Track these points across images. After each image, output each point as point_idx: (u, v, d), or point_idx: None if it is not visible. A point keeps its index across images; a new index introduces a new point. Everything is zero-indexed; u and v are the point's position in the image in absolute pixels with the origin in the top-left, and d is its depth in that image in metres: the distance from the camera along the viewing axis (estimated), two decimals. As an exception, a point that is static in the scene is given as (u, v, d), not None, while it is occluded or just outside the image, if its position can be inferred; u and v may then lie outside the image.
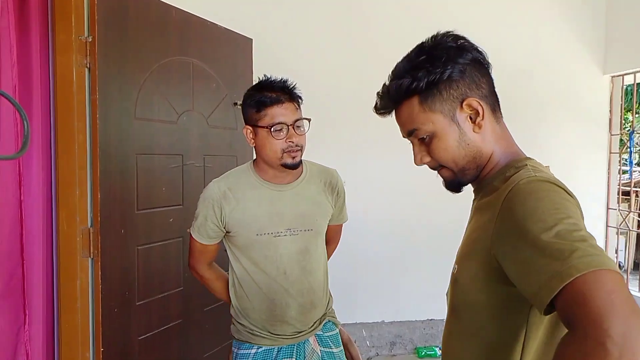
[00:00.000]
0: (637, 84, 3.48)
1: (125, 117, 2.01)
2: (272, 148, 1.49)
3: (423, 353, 3.52)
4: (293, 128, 1.50)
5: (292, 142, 1.49)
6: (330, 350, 1.67)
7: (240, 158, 2.67)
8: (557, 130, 3.66)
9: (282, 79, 1.54)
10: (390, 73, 0.98)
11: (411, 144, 1.00)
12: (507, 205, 0.80)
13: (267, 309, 1.57)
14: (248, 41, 2.70)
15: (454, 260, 1.04)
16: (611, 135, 3.73)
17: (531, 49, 3.56)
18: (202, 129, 2.41)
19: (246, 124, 1.57)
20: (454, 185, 0.99)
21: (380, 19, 3.37)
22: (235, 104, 2.59)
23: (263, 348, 1.59)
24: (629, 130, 3.45)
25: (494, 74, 0.98)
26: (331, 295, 1.75)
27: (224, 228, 1.57)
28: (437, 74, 0.89)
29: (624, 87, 3.68)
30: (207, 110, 2.43)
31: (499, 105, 0.97)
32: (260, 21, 3.03)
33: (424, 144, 0.95)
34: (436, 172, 1.01)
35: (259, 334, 1.59)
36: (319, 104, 3.32)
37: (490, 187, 0.92)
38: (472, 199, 1.04)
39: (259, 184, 1.58)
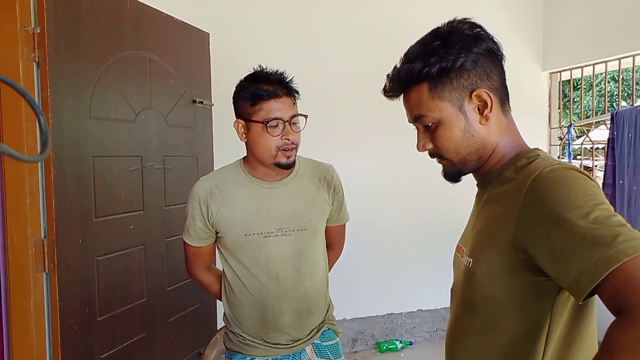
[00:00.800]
0: (574, 80, 3.70)
1: (80, 116, 1.84)
2: (266, 145, 1.40)
3: (384, 347, 3.55)
4: (289, 124, 1.41)
5: (288, 140, 1.40)
6: None
7: (201, 159, 2.54)
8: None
9: (277, 71, 1.44)
10: (403, 56, 0.95)
11: (416, 130, 0.98)
12: (533, 193, 0.78)
13: (259, 316, 1.47)
14: (205, 35, 2.57)
15: (458, 254, 1.02)
16: (551, 128, 3.95)
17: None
18: (161, 128, 2.26)
19: (238, 117, 1.46)
20: (453, 175, 0.97)
21: (338, 13, 3.35)
22: (194, 101, 2.46)
23: (257, 359, 1.50)
24: (568, 124, 3.66)
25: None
26: (331, 302, 1.65)
27: (213, 228, 1.47)
28: (449, 61, 0.87)
29: (561, 82, 3.90)
30: (166, 108, 2.29)
31: (508, 98, 0.95)
32: (216, 15, 2.90)
33: (429, 131, 0.94)
34: (436, 160, 0.99)
35: (252, 343, 1.50)
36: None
37: (501, 178, 0.91)
38: (476, 192, 1.03)
39: (248, 181, 1.48)
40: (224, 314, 1.57)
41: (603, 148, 4.08)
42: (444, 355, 3.48)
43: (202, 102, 2.51)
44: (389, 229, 3.59)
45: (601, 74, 3.62)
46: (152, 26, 2.21)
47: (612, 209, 0.73)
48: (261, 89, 1.39)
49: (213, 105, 2.63)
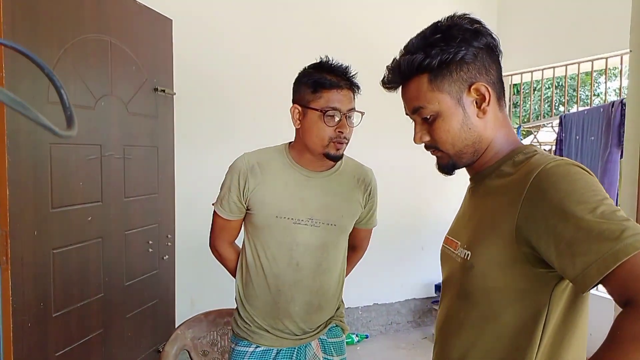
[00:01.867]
0: (524, 83, 3.89)
1: (37, 101, 1.73)
2: (319, 134, 1.39)
3: (341, 341, 3.58)
4: (345, 118, 1.40)
5: (342, 133, 1.39)
6: (332, 357, 1.57)
7: (161, 149, 2.46)
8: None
9: (342, 64, 1.43)
10: (402, 48, 0.95)
11: (413, 122, 0.98)
12: (537, 188, 0.79)
13: (271, 300, 1.47)
14: (168, 22, 2.48)
15: (450, 247, 1.01)
16: (501, 129, 4.12)
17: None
18: (122, 116, 2.17)
19: (295, 102, 1.45)
20: (447, 167, 0.97)
21: (305, 2, 3.34)
22: (156, 89, 2.38)
23: (262, 348, 1.49)
24: (517, 126, 3.84)
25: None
26: (343, 302, 1.64)
27: (245, 204, 1.47)
28: (450, 53, 0.88)
29: (512, 85, 4.08)
30: (127, 95, 2.19)
31: (504, 93, 0.97)
32: (179, 1, 2.81)
33: (426, 123, 0.94)
34: (429, 152, 1.00)
35: (259, 328, 1.49)
36: (244, 90, 3.20)
37: (498, 172, 0.92)
38: (468, 186, 1.04)
39: (289, 165, 1.48)
40: (236, 294, 1.56)
41: (547, 150, 4.32)
42: (398, 347, 3.58)
43: (164, 91, 2.43)
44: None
45: (548, 79, 3.82)
46: (113, 8, 2.11)
47: (614, 203, 0.76)
48: (324, 77, 1.39)
49: (175, 94, 2.55)
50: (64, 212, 1.86)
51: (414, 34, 0.96)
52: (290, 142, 1.54)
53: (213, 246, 1.62)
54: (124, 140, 2.18)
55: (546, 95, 7.42)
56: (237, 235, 1.61)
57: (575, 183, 0.77)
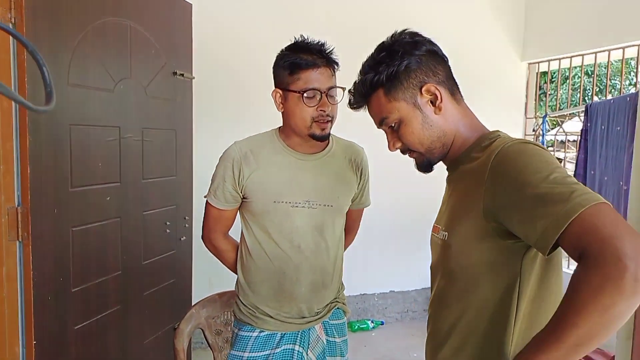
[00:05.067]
0: (551, 71, 3.77)
1: (58, 83, 1.78)
2: (301, 115, 1.39)
3: (356, 327, 3.61)
4: (326, 96, 1.39)
5: (324, 111, 1.39)
6: (334, 339, 1.59)
7: (180, 132, 2.51)
8: (478, 112, 3.86)
9: (319, 42, 1.42)
10: (359, 72, 1.07)
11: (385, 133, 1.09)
12: (497, 166, 0.88)
13: (276, 283, 1.48)
14: (187, 6, 2.51)
15: (434, 233, 1.09)
16: (527, 118, 4.03)
17: (458, 34, 3.69)
18: (141, 99, 2.21)
19: (276, 86, 1.45)
20: (424, 165, 1.08)
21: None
22: (175, 73, 2.42)
23: (266, 332, 1.50)
24: (544, 115, 3.74)
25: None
26: (343, 283, 1.65)
27: (241, 192, 1.48)
28: (395, 66, 1.00)
29: (539, 73, 3.97)
30: (146, 79, 2.24)
31: (457, 88, 1.07)
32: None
33: (394, 131, 1.05)
34: (407, 155, 1.10)
35: (262, 314, 1.50)
36: (262, 75, 3.21)
37: (468, 158, 1.01)
38: (446, 176, 1.12)
39: (282, 149, 1.49)
40: (237, 282, 1.57)
41: (574, 140, 4.19)
42: (413, 335, 3.60)
43: (182, 75, 2.47)
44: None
45: (576, 67, 3.70)
46: (134, -7, 2.14)
47: (566, 171, 0.83)
48: (300, 58, 1.38)
49: (194, 78, 2.58)
50: (83, 191, 1.93)
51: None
52: (279, 127, 1.54)
53: (207, 239, 1.61)
54: (143, 123, 2.23)
55: (578, 85, 7.19)
56: (231, 226, 1.60)
57: (531, 157, 0.85)
